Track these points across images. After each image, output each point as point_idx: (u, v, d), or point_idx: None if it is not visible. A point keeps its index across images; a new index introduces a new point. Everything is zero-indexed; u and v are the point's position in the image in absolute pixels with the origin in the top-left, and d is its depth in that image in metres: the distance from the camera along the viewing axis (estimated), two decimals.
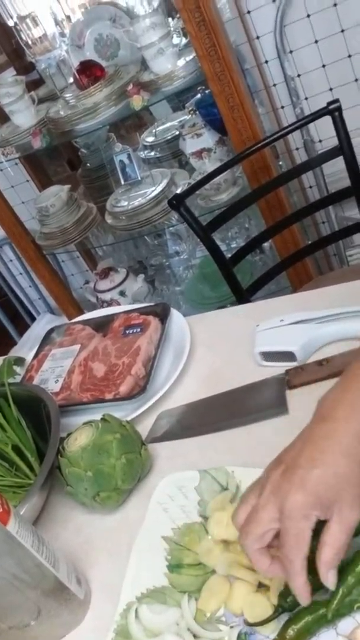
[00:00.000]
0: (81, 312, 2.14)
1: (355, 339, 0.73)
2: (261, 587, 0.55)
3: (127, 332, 0.91)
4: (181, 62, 1.49)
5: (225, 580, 0.57)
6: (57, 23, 1.80)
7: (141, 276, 2.04)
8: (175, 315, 0.92)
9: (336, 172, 1.71)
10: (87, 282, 2.21)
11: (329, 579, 0.45)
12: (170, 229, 2.05)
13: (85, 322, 1.01)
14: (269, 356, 0.76)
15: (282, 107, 1.75)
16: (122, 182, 1.79)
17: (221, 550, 0.59)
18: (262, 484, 0.48)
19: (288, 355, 0.74)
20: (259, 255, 1.95)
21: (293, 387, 0.72)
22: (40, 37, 1.87)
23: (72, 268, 2.48)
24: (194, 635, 0.55)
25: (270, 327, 0.77)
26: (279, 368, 0.75)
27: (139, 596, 0.60)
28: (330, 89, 1.68)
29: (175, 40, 1.55)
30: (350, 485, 0.44)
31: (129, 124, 2.11)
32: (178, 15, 1.55)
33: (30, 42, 1.87)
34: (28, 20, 1.84)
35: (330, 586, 0.46)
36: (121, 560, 0.64)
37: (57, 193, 1.88)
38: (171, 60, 1.47)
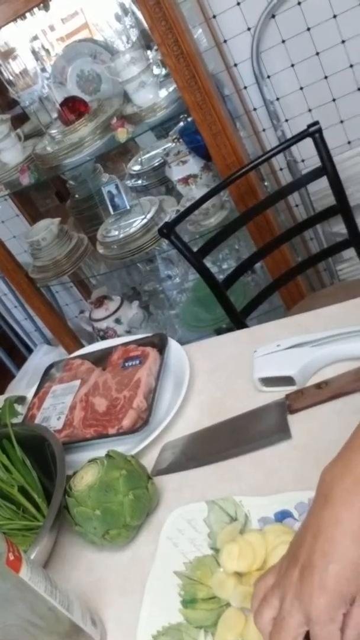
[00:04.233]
0: (77, 342, 2.15)
1: (351, 360, 0.74)
2: None
3: (127, 364, 0.91)
4: (163, 93, 1.52)
5: (240, 612, 0.57)
6: (37, 58, 1.83)
7: (135, 302, 2.05)
8: (173, 344, 0.92)
9: (321, 190, 1.74)
10: (82, 312, 2.21)
11: None
12: (162, 254, 2.07)
13: (83, 357, 1.02)
14: (268, 381, 0.77)
15: (264, 130, 1.78)
16: (112, 212, 1.81)
17: (234, 583, 0.59)
18: (281, 583, 0.47)
19: (287, 380, 0.75)
20: (251, 275, 1.97)
21: (294, 412, 0.72)
22: (20, 73, 1.91)
23: (66, 298, 2.49)
24: None
25: (267, 353, 0.78)
26: (279, 393, 0.76)
27: (155, 634, 0.60)
28: (309, 110, 1.71)
29: (156, 71, 1.58)
30: None
31: (115, 154, 2.14)
32: (156, 47, 1.59)
33: (11, 79, 1.90)
34: (9, 59, 1.88)
35: None
36: (135, 598, 0.64)
37: (48, 226, 1.89)
38: (153, 92, 1.50)
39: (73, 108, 1.62)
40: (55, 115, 1.80)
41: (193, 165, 1.65)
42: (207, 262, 1.31)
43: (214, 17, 1.57)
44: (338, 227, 1.91)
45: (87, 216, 2.06)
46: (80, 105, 1.61)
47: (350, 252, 1.96)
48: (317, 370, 0.75)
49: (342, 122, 1.72)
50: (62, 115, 1.64)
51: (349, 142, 1.76)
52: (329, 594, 0.43)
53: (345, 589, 0.43)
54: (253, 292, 1.49)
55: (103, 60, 1.66)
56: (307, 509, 0.61)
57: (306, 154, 1.78)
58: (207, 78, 1.36)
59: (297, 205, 1.92)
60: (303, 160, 1.81)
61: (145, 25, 1.56)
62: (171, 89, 1.49)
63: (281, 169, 1.85)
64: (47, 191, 2.29)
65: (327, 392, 0.71)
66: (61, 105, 1.64)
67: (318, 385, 0.72)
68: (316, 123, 1.21)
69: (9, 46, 1.86)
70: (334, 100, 1.68)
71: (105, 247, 1.79)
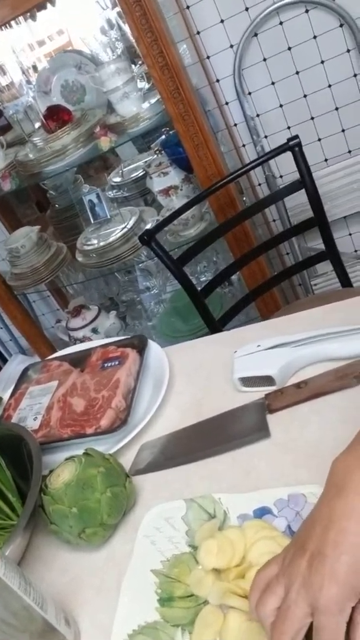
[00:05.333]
0: (54, 351, 2.12)
1: (331, 360, 0.75)
2: None
3: (106, 365, 0.91)
4: (146, 105, 1.54)
5: (218, 610, 0.56)
6: (23, 72, 1.85)
7: (113, 312, 2.05)
8: (153, 346, 0.92)
9: (297, 206, 1.78)
10: (59, 321, 2.20)
11: None
12: (140, 265, 2.07)
13: (62, 358, 1.01)
14: (248, 381, 0.77)
15: (244, 146, 1.81)
16: (92, 221, 1.81)
17: (212, 580, 0.58)
18: (287, 572, 0.46)
19: (267, 380, 0.75)
20: (228, 287, 1.99)
21: (273, 411, 0.73)
22: (7, 85, 1.92)
23: (43, 308, 2.47)
24: None
25: (247, 353, 0.78)
26: (258, 393, 0.76)
27: (131, 633, 0.58)
28: (288, 127, 1.76)
29: (140, 84, 1.60)
30: None
31: (96, 166, 2.15)
32: (140, 62, 1.62)
33: None
34: None
35: None
36: (110, 598, 0.63)
37: (27, 234, 1.89)
38: (136, 103, 1.52)
39: (57, 117, 1.63)
40: (38, 124, 1.80)
41: (174, 176, 1.67)
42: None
43: (198, 33, 1.61)
44: (313, 243, 1.95)
45: (67, 226, 2.06)
46: (64, 114, 1.62)
47: (324, 267, 2.01)
48: (296, 371, 0.76)
49: (319, 140, 1.77)
50: (45, 124, 1.65)
51: (325, 160, 1.80)
52: (340, 584, 0.41)
53: (356, 581, 0.42)
54: (230, 304, 1.50)
55: (88, 71, 1.68)
56: (287, 505, 0.62)
57: (284, 170, 1.82)
58: (191, 90, 1.39)
59: (274, 220, 1.96)
60: (281, 176, 1.85)
61: (131, 38, 1.59)
62: (154, 100, 1.52)
63: (260, 184, 1.88)
64: (28, 201, 2.29)
65: (307, 391, 0.72)
66: (45, 113, 1.64)
67: (297, 385, 0.73)
68: (296, 137, 1.24)
69: None
70: (312, 118, 1.73)
71: (84, 256, 1.79)
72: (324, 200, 1.32)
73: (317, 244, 1.81)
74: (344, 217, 1.91)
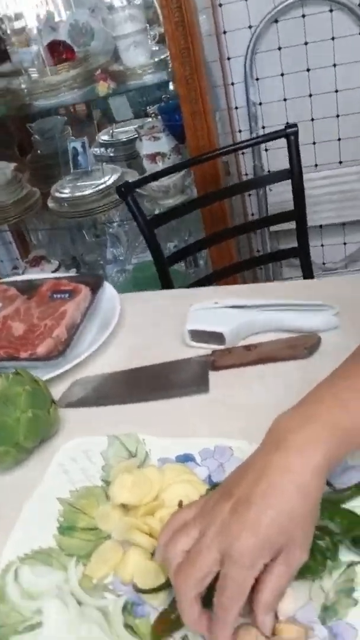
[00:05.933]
0: None
1: (286, 331, 0.73)
2: None
3: (55, 296, 0.87)
4: (151, 61, 1.50)
5: (118, 546, 0.54)
6: (39, 22, 1.77)
7: (73, 271, 2.00)
8: (109, 288, 0.89)
9: (279, 202, 1.77)
10: (15, 268, 2.12)
11: (266, 623, 0.42)
12: (110, 230, 2.03)
13: (10, 284, 0.96)
14: (198, 336, 0.75)
15: (240, 131, 1.80)
16: (72, 170, 1.76)
17: (119, 515, 0.56)
18: (207, 515, 0.43)
19: (217, 338, 0.73)
20: (193, 268, 1.97)
21: (217, 369, 0.71)
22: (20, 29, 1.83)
23: (2, 254, 2.38)
24: (78, 602, 0.51)
25: (203, 308, 0.76)
26: (206, 350, 0.74)
27: (22, 557, 0.55)
28: (287, 123, 1.74)
29: (150, 45, 1.56)
30: (304, 525, 0.42)
31: (87, 123, 2.09)
32: (156, 24, 1.58)
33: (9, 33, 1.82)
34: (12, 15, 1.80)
35: (267, 631, 0.42)
36: (9, 522, 0.59)
37: (2, 169, 1.81)
38: (143, 55, 1.48)
39: (58, 52, 1.57)
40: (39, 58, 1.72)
41: (164, 143, 1.63)
42: None
43: (220, 5, 1.58)
44: (286, 245, 1.95)
45: (45, 174, 1.99)
46: (67, 52, 1.56)
47: (291, 272, 2.02)
48: (249, 335, 0.74)
49: (314, 143, 1.77)
50: (46, 57, 1.58)
51: (316, 165, 1.81)
52: (259, 537, 0.40)
53: (275, 538, 0.41)
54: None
55: (101, 15, 1.62)
56: (212, 455, 0.60)
57: (273, 166, 1.81)
58: (201, 56, 1.36)
59: (253, 214, 1.95)
60: (269, 171, 1.84)
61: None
62: (160, 58, 1.48)
63: (247, 174, 1.87)
64: (10, 143, 2.19)
65: (255, 354, 0.70)
66: (47, 47, 1.57)
67: (247, 347, 0.71)
68: (295, 125, 1.23)
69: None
70: (312, 120, 1.72)
71: (56, 202, 1.74)
72: None
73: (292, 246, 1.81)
74: (320, 226, 1.92)
